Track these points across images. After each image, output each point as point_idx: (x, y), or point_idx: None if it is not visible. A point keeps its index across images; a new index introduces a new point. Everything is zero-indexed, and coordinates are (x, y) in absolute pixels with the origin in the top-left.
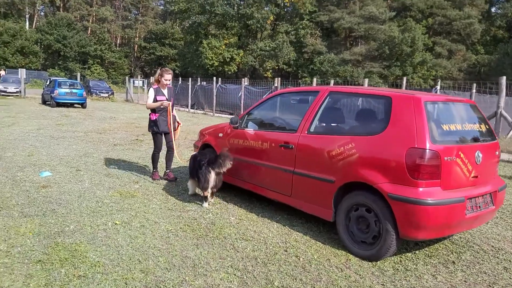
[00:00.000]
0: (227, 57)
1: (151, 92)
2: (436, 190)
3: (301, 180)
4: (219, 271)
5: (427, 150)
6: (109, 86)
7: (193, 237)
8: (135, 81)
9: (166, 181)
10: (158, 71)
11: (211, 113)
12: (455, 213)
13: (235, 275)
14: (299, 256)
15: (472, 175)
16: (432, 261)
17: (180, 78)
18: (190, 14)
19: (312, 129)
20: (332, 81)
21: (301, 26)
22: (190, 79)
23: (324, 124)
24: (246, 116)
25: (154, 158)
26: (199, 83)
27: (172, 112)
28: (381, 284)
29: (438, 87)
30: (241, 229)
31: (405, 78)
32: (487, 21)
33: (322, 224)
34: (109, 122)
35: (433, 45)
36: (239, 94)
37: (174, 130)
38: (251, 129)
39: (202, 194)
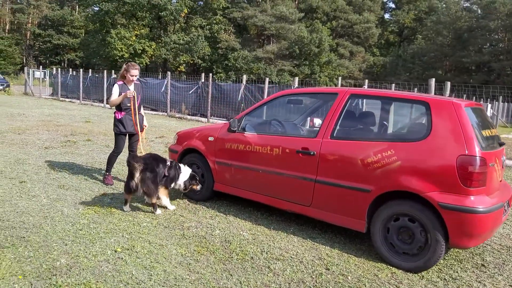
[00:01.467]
0: (139, 49)
1: (116, 88)
2: (484, 197)
3: (325, 189)
4: None
5: (478, 157)
6: (4, 78)
7: (217, 261)
8: (35, 72)
9: None
10: (124, 66)
11: None
12: (499, 218)
13: None
14: (345, 274)
15: (500, 179)
16: (465, 265)
17: (81, 70)
18: (94, 1)
19: (336, 134)
20: (295, 83)
21: (214, 21)
22: (105, 71)
23: (350, 129)
24: (245, 118)
25: (111, 160)
26: (113, 76)
27: (139, 111)
28: None
29: (366, 86)
30: (263, 246)
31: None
32: (381, 26)
33: (340, 233)
34: (21, 119)
35: (336, 46)
36: (162, 90)
37: (141, 131)
38: (253, 133)
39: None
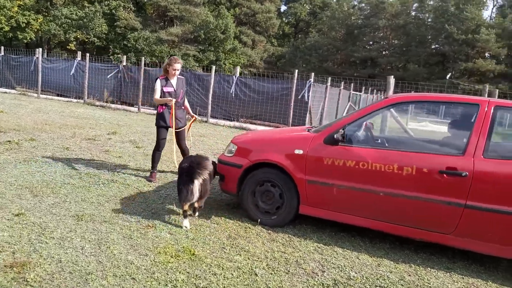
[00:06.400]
0: (22, 22)
1: (157, 83)
2: None
3: (476, 215)
4: None
5: None
6: None
7: None
8: None
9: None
10: (167, 60)
11: (35, 94)
12: None
13: None
14: None
15: None
16: None
17: None
18: None
19: (491, 153)
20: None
21: None
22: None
23: (507, 147)
24: (348, 128)
25: (154, 157)
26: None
27: (183, 105)
28: None
29: (312, 80)
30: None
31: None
32: (280, 17)
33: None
34: None
35: (239, 34)
36: (72, 72)
37: (186, 125)
38: (367, 147)
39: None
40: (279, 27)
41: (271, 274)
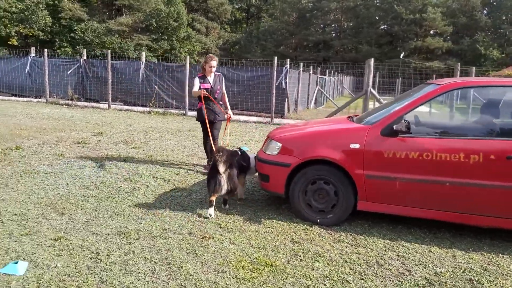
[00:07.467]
0: None
1: (196, 80)
2: None
3: None
4: None
5: None
6: None
7: None
8: None
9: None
10: (203, 58)
11: None
12: None
13: None
14: None
15: None
16: None
17: None
18: None
19: None
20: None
21: None
22: None
23: None
24: (403, 117)
25: (205, 148)
26: None
27: (221, 101)
28: None
29: (288, 66)
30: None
31: None
32: (231, 2)
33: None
34: None
35: (192, 21)
36: (27, 70)
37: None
38: (429, 137)
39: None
40: (231, 13)
41: (362, 279)
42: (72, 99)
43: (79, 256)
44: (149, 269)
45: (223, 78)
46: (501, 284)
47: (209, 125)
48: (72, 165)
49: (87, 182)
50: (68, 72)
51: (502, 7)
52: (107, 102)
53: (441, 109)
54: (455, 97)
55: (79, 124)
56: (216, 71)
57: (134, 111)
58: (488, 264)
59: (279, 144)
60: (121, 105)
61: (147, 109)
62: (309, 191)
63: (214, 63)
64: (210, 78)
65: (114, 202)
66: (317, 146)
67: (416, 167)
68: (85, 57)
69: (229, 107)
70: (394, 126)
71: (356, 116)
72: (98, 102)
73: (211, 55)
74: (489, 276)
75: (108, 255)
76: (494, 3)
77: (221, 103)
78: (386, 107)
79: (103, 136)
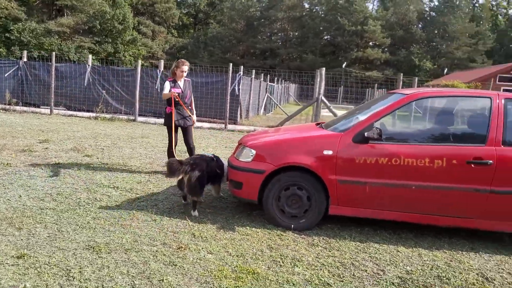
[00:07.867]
0: None
1: (167, 84)
2: None
3: (500, 198)
4: None
5: None
6: None
7: None
8: None
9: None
10: (175, 62)
11: None
12: None
13: None
14: None
15: None
16: None
17: None
18: None
19: (507, 141)
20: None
21: None
22: None
23: None
24: (373, 125)
25: (168, 153)
26: None
27: (190, 106)
28: None
29: (241, 73)
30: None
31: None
32: (179, 7)
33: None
34: None
35: (138, 25)
36: None
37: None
38: (397, 143)
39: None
40: (179, 18)
41: (342, 281)
42: (10, 104)
43: (48, 274)
44: (129, 284)
45: (191, 83)
46: (465, 279)
47: (182, 131)
48: (21, 175)
49: (41, 194)
50: (6, 75)
51: (435, 22)
52: (49, 107)
53: (406, 117)
54: (420, 106)
55: (20, 131)
56: (164, 76)
57: (79, 117)
58: (451, 261)
59: (253, 151)
60: (64, 110)
61: (94, 114)
62: (283, 197)
63: (185, 68)
64: (181, 83)
65: (76, 214)
66: (291, 153)
67: (385, 172)
68: (25, 59)
69: (194, 112)
70: (366, 133)
71: (323, 123)
72: (38, 107)
73: (182, 60)
74: (454, 271)
75: (80, 272)
76: (428, 18)
77: (190, 108)
78: (353, 115)
79: (50, 144)
